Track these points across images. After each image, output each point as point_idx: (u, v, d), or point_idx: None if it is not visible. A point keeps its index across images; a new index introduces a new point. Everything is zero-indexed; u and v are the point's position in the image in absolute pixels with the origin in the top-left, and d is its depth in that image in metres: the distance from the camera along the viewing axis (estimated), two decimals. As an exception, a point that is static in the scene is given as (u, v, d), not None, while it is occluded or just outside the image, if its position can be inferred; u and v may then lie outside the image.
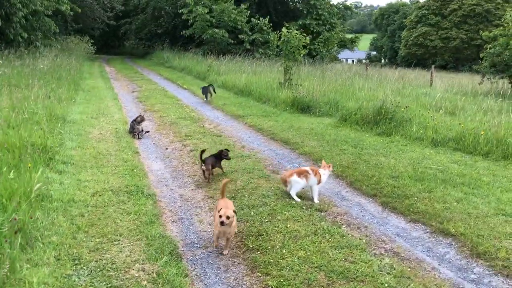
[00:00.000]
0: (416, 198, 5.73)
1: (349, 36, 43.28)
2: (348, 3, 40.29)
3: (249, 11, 30.79)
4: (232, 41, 30.34)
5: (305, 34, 15.17)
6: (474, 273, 4.09)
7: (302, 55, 15.10)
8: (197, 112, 12.20)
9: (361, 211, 5.51)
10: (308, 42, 15.17)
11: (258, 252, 4.31)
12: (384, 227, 5.07)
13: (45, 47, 21.02)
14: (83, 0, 32.12)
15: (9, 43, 19.08)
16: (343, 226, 5.00)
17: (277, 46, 19.66)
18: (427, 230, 4.95)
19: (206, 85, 15.25)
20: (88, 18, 34.72)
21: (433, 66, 23.23)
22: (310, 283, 3.76)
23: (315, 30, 32.88)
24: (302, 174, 5.67)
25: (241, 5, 30.81)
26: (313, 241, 4.53)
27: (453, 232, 4.79)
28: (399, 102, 9.86)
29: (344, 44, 41.17)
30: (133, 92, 16.47)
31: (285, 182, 5.77)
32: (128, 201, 5.39)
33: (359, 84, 16.28)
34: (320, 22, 33.52)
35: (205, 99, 14.28)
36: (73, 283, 3.50)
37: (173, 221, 5.16)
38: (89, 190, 5.62)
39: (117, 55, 43.15)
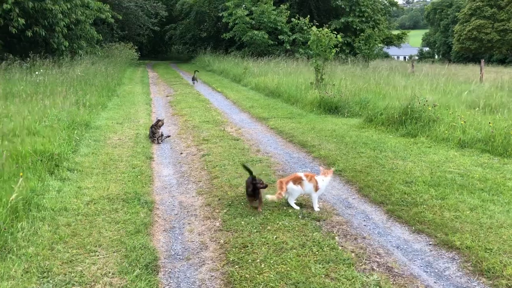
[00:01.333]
0: (425, 206, 5.27)
1: (395, 32, 41.92)
2: (397, -2, 39.06)
3: (289, 11, 30.50)
4: (272, 42, 30.17)
5: (335, 32, 14.70)
6: (473, 293, 3.65)
7: (333, 54, 14.62)
8: (223, 115, 12.10)
9: (364, 220, 5.14)
10: (340, 40, 14.70)
11: (237, 266, 4.07)
12: (384, 238, 4.68)
13: (88, 54, 21.71)
14: (128, 8, 33.05)
15: (53, 52, 19.87)
16: (338, 237, 4.66)
17: (308, 46, 19.30)
18: (430, 242, 4.52)
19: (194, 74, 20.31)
20: (133, 25, 35.70)
21: (482, 60, 21.90)
22: (280, 302, 3.49)
23: (358, 28, 32.09)
24: (297, 181, 5.36)
25: (281, 5, 30.57)
26: (298, 254, 4.23)
27: (457, 245, 4.33)
28: (427, 101, 9.25)
29: (391, 41, 39.94)
30: (167, 96, 16.63)
31: (281, 189, 5.46)
32: (121, 210, 5.30)
33: (399, 82, 15.61)
34: (363, 19, 32.66)
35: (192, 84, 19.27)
36: (32, 298, 3.42)
37: (164, 230, 5.02)
38: (85, 198, 5.60)
39: (163, 60, 44.17)
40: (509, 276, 3.78)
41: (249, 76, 19.61)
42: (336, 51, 15.09)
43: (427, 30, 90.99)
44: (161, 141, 9.28)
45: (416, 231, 4.76)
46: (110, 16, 23.87)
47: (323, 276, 3.84)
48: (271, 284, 3.73)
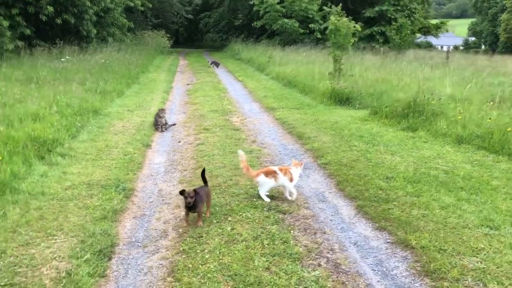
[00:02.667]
0: (396, 203, 5.16)
1: (434, 21, 40.50)
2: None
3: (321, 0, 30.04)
4: (303, 30, 29.87)
5: (354, 22, 14.39)
6: (412, 294, 3.57)
7: (351, 43, 14.33)
8: (234, 105, 12.15)
9: (332, 215, 5.09)
10: (359, 29, 14.38)
11: (185, 256, 4.14)
12: (345, 233, 4.64)
13: (117, 42, 22.20)
14: (162, -5, 33.53)
15: (82, 39, 20.46)
16: (297, 231, 4.64)
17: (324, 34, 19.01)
18: (389, 240, 4.43)
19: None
20: (167, 13, 36.18)
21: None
22: (210, 292, 3.53)
23: (392, 17, 31.21)
24: (270, 174, 5.37)
25: (314, -7, 30.16)
26: (247, 246, 4.25)
27: (413, 244, 4.23)
28: (432, 94, 8.96)
29: (428, 31, 38.68)
30: (188, 85, 16.83)
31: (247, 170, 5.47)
32: (96, 196, 5.46)
33: (422, 73, 15.14)
34: (398, 8, 31.73)
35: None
36: (-22, 276, 3.62)
37: (134, 217, 5.15)
38: (66, 183, 5.80)
39: (198, 49, 44.54)
40: (452, 278, 3.67)
41: (272, 65, 19.52)
42: (356, 39, 14.76)
43: (474, 19, 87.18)
44: (165, 129, 9.45)
45: (379, 228, 4.68)
46: (140, 4, 24.26)
47: (263, 269, 3.85)
48: (209, 275, 3.78)
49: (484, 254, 4.01)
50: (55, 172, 6.17)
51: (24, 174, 5.81)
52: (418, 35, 38.17)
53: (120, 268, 4.05)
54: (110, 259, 4.18)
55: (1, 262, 3.85)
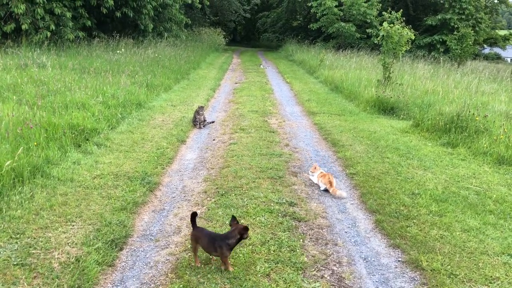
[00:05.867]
0: (416, 221, 4.99)
1: (502, 33, 38.54)
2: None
3: (381, 5, 29.38)
4: (360, 35, 29.37)
5: (409, 28, 13.95)
6: (412, 317, 3.45)
7: (403, 51, 13.92)
8: (276, 107, 12.15)
9: (348, 227, 5.00)
10: (413, 37, 13.94)
11: (190, 254, 4.20)
12: (357, 247, 4.54)
13: (172, 37, 22.78)
14: (221, -7, 34.05)
15: (140, 33, 21.19)
16: (308, 240, 4.60)
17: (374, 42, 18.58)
18: (400, 259, 4.30)
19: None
20: (226, 11, 36.67)
21: None
22: (206, 293, 3.58)
23: (456, 26, 29.98)
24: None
25: (374, -3, 29.53)
26: (252, 250, 4.26)
27: (424, 266, 4.08)
28: (478, 110, 8.54)
29: (495, 42, 36.86)
30: (236, 83, 16.99)
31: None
32: (121, 187, 5.66)
33: (477, 87, 14.52)
34: (463, 17, 30.43)
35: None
36: (-6, 253, 3.86)
37: (153, 211, 5.30)
38: (96, 172, 6.05)
39: (254, 48, 44.87)
40: (457, 306, 3.51)
41: (322, 69, 19.34)
42: (409, 47, 14.31)
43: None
44: (203, 126, 9.61)
45: (393, 246, 4.55)
46: (198, 1, 24.76)
47: (262, 275, 3.85)
48: (209, 276, 3.83)
49: (498, 284, 3.80)
50: (88, 160, 6.44)
51: (58, 160, 6.12)
52: (484, 46, 36.46)
53: (129, 260, 4.19)
54: (121, 249, 4.33)
55: (19, 242, 4.09)
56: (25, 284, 3.49)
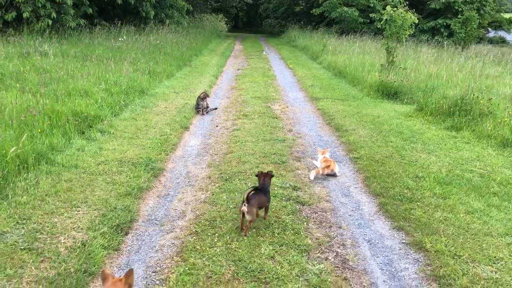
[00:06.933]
0: (420, 203, 5.00)
1: (507, 16, 38.09)
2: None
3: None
4: (363, 20, 29.13)
5: (412, 12, 13.82)
6: (416, 298, 3.48)
7: (407, 35, 13.81)
8: (279, 93, 12.11)
9: (352, 210, 5.02)
10: (416, 21, 13.82)
11: (196, 237, 4.24)
12: (361, 230, 4.56)
13: (174, 24, 22.65)
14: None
15: (141, 20, 21.07)
16: (312, 223, 4.62)
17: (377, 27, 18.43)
18: (404, 241, 4.32)
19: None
20: (227, -3, 36.35)
21: None
22: (211, 275, 3.61)
23: (460, 9, 29.65)
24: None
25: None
26: (257, 233, 4.29)
27: (427, 247, 4.10)
28: (482, 93, 8.50)
29: (500, 25, 36.48)
30: (238, 70, 16.92)
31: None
32: (125, 172, 5.67)
33: (481, 70, 14.41)
34: (467, 0, 30.05)
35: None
36: (2, 238, 3.89)
37: (157, 196, 5.32)
38: (100, 158, 6.07)
39: (256, 34, 44.58)
40: (461, 285, 3.53)
41: (325, 54, 19.23)
42: (412, 31, 14.20)
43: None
44: (206, 113, 9.60)
45: (397, 228, 4.57)
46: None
47: (267, 257, 3.88)
48: (214, 258, 3.86)
49: (501, 264, 3.82)
50: (92, 147, 6.46)
51: (62, 147, 6.14)
52: (489, 29, 36.09)
53: (134, 244, 4.22)
54: (126, 234, 4.36)
55: (25, 228, 4.12)
56: (33, 268, 3.53)
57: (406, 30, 13.74)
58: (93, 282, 3.52)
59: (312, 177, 5.83)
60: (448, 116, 8.44)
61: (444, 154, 6.68)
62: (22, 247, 3.80)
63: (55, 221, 4.32)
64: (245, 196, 4.23)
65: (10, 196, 4.60)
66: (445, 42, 24.72)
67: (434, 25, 30.25)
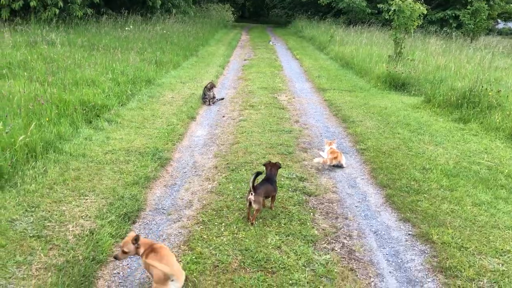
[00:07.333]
0: (426, 195, 4.99)
1: (517, 6, 37.57)
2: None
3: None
4: (371, 10, 28.87)
5: (421, 2, 13.68)
6: (421, 289, 3.49)
7: (415, 26, 13.68)
8: (285, 83, 12.07)
9: (359, 201, 5.02)
10: (425, 12, 13.67)
11: (203, 227, 4.27)
12: (367, 221, 4.56)
13: (181, 14, 22.58)
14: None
15: (148, 9, 21.03)
16: (318, 214, 4.63)
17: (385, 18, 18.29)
18: (410, 232, 4.32)
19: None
20: (234, -13, 36.11)
21: None
22: (218, 264, 3.63)
23: (469, 0, 29.28)
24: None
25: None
26: (264, 223, 4.31)
27: (434, 239, 4.10)
28: (490, 85, 8.43)
29: (509, 17, 36.05)
30: (245, 60, 16.86)
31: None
32: (133, 162, 5.69)
33: (490, 62, 14.27)
34: (478, -9, 29.67)
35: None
36: (10, 226, 3.93)
37: (164, 185, 5.34)
38: (107, 147, 6.09)
39: (263, 24, 44.33)
40: (467, 277, 3.53)
41: (332, 45, 19.11)
42: (421, 22, 14.06)
43: None
44: (212, 103, 9.59)
45: (403, 219, 4.56)
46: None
47: (273, 247, 3.90)
48: (221, 248, 3.88)
49: (508, 257, 3.82)
50: (99, 136, 6.49)
51: (70, 136, 6.17)
52: (498, 20, 35.68)
53: (142, 232, 4.24)
54: (134, 222, 4.40)
55: (34, 215, 4.16)
56: (42, 255, 3.56)
57: (414, 21, 13.62)
58: (101, 269, 3.56)
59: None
60: (456, 108, 8.39)
61: (451, 146, 6.65)
62: (31, 235, 3.84)
63: (63, 209, 4.35)
64: (251, 185, 4.24)
65: (19, 184, 4.64)
66: (454, 34, 24.44)
67: (443, 16, 29.92)
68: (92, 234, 3.96)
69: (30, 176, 4.85)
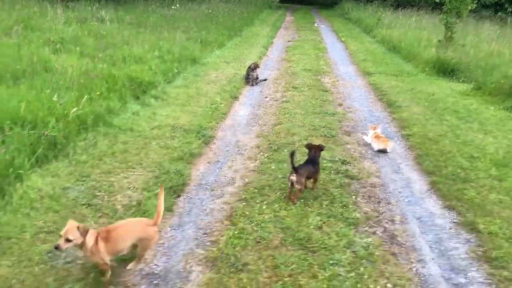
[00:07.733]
0: (474, 184, 4.86)
1: None
2: None
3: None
4: (421, -7, 27.87)
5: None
6: (465, 277, 3.43)
7: (468, 10, 13.12)
8: (330, 66, 11.91)
9: (402, 187, 4.95)
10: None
11: (245, 203, 4.34)
12: (411, 207, 4.50)
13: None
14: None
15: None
16: (360, 197, 4.60)
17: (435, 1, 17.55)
18: (455, 220, 4.23)
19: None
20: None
21: None
22: (260, 240, 3.69)
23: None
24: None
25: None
26: (305, 204, 4.32)
27: (480, 229, 4.00)
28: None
29: None
30: (289, 41, 16.71)
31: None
32: (178, 138, 5.83)
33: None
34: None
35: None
36: (63, 193, 4.12)
37: (208, 162, 5.44)
38: (154, 123, 6.25)
39: (308, 5, 43.65)
40: (514, 269, 3.45)
41: (380, 28, 18.62)
42: (475, 5, 13.47)
43: None
44: (255, 84, 9.60)
45: (448, 207, 4.47)
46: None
47: (315, 227, 3.92)
48: (262, 225, 3.94)
49: (559, 251, 3.69)
50: (146, 112, 6.66)
51: (118, 110, 6.36)
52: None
53: (186, 206, 4.36)
54: (178, 196, 4.52)
55: (85, 185, 4.35)
56: (92, 222, 3.73)
57: (467, 5, 13.06)
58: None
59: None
60: (509, 96, 8.06)
61: (502, 136, 6.41)
62: (82, 202, 4.02)
63: (112, 180, 4.52)
64: (292, 166, 4.26)
65: (70, 155, 4.86)
66: (509, 19, 23.29)
67: (498, 0, 28.52)
68: (139, 205, 4.11)
69: (81, 147, 5.06)
